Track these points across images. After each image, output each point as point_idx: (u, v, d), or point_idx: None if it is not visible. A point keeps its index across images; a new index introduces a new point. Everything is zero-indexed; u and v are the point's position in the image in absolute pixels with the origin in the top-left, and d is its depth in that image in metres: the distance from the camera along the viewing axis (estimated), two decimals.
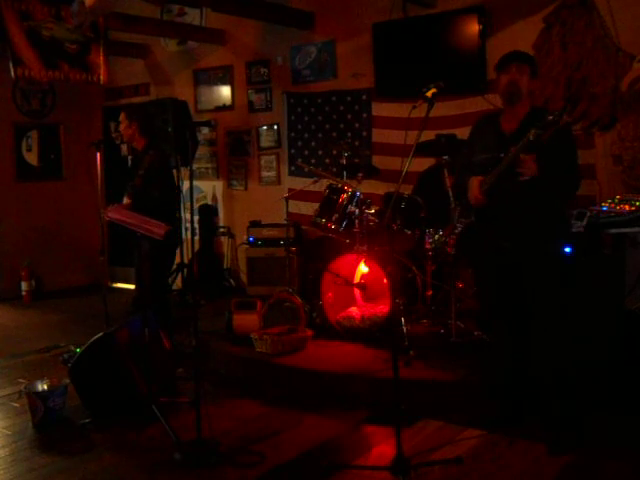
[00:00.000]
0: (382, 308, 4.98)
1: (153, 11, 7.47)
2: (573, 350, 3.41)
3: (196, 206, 7.32)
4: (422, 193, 5.22)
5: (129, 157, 8.30)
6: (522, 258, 3.32)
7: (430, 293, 5.11)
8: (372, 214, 5.05)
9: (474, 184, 3.41)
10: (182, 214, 3.93)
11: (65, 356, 5.05)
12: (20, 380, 4.66)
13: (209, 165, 7.57)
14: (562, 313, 3.32)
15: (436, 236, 4.76)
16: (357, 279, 5.23)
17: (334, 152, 6.12)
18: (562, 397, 3.32)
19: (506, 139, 3.36)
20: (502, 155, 3.30)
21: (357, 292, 5.32)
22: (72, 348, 5.14)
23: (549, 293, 3.31)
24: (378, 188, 5.83)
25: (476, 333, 4.54)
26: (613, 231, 3.83)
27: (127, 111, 5.02)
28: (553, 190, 3.28)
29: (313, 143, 6.75)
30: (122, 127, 4.96)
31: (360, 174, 5.28)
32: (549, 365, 3.33)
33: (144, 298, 4.67)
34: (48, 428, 3.86)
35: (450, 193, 4.64)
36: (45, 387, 3.98)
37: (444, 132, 5.31)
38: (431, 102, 3.32)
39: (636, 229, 3.87)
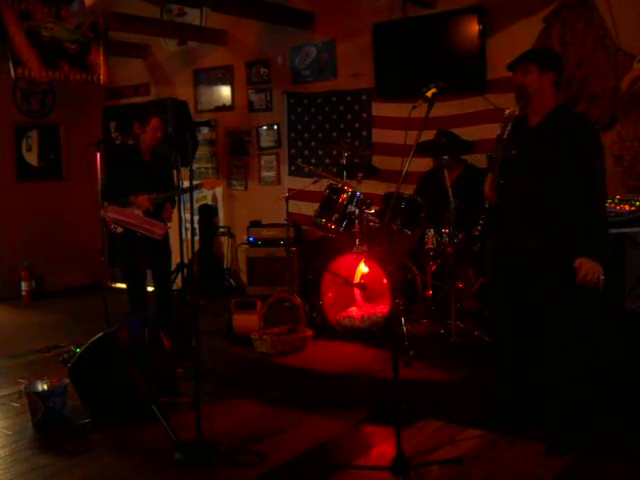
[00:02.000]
0: (382, 308, 4.98)
1: (153, 11, 7.48)
2: (578, 350, 3.41)
3: (196, 206, 7.32)
4: (423, 194, 5.22)
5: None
6: (528, 259, 3.31)
7: (430, 293, 5.12)
8: (372, 214, 5.05)
9: (488, 181, 3.44)
10: (182, 214, 3.93)
11: (65, 356, 5.05)
12: (20, 380, 4.66)
13: (209, 165, 7.57)
14: (573, 314, 3.30)
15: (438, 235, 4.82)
16: (357, 279, 5.22)
17: (334, 152, 6.12)
18: (564, 398, 3.32)
19: (527, 134, 3.36)
20: (514, 152, 3.31)
21: (357, 292, 5.32)
22: (72, 348, 5.15)
23: (558, 294, 3.26)
24: (378, 188, 5.83)
25: (476, 333, 4.54)
26: (613, 231, 3.83)
27: (161, 116, 5.26)
28: (565, 196, 3.18)
29: (313, 143, 6.75)
30: (158, 133, 5.15)
31: (360, 174, 5.28)
32: (558, 366, 3.32)
33: (149, 301, 4.76)
34: (48, 428, 3.86)
35: (450, 193, 4.65)
36: (45, 387, 3.98)
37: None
38: (431, 102, 3.32)
39: (636, 229, 3.87)
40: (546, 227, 3.24)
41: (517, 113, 3.27)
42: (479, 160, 5.41)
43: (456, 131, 5.42)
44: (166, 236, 4.89)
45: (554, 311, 3.29)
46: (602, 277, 3.06)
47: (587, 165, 3.15)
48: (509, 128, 3.26)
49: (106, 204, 4.96)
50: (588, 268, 3.06)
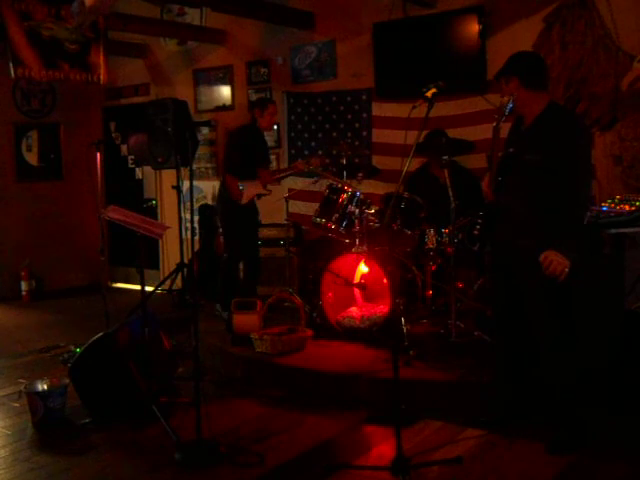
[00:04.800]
0: (382, 308, 4.98)
1: (153, 11, 7.48)
2: (572, 349, 3.41)
3: (196, 206, 7.32)
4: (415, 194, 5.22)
5: (129, 157, 8.33)
6: (521, 257, 3.32)
7: (430, 293, 5.12)
8: (372, 214, 5.05)
9: (486, 177, 3.45)
10: (182, 214, 3.94)
11: (65, 356, 5.06)
12: (20, 380, 4.66)
13: (209, 165, 7.56)
14: (565, 313, 3.31)
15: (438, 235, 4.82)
16: (357, 279, 5.22)
17: (334, 152, 6.12)
18: (564, 397, 3.32)
19: (520, 135, 3.38)
20: (511, 150, 3.32)
21: (357, 292, 5.32)
22: (72, 348, 5.15)
23: (547, 294, 3.27)
24: (378, 188, 5.83)
25: (476, 333, 4.54)
26: (613, 231, 3.83)
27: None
28: (548, 197, 3.20)
29: (313, 143, 6.75)
30: (275, 118, 5.84)
31: (360, 174, 5.28)
32: (553, 366, 3.32)
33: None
34: (48, 428, 3.86)
35: (450, 193, 4.65)
36: (45, 387, 3.98)
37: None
38: (431, 102, 3.33)
39: (636, 229, 3.87)
40: (535, 227, 3.26)
41: (509, 104, 3.28)
42: (480, 160, 5.41)
43: (456, 131, 5.43)
44: (253, 205, 5.78)
45: (546, 310, 3.29)
46: (566, 270, 3.06)
47: (569, 165, 3.15)
48: (503, 118, 3.30)
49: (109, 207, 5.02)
50: (552, 260, 3.07)
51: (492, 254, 3.62)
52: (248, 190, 5.64)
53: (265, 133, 5.91)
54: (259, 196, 5.91)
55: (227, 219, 5.84)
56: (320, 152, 6.50)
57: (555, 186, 3.16)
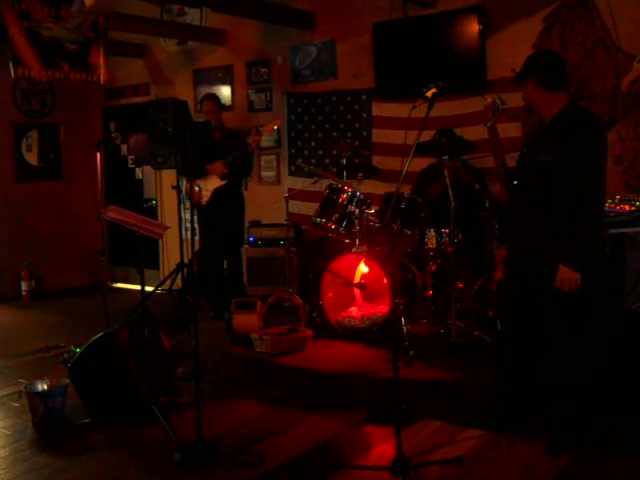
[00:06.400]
0: (382, 308, 4.98)
1: (153, 11, 7.48)
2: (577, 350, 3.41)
3: None
4: (420, 193, 5.23)
5: (129, 157, 8.33)
6: (531, 257, 3.32)
7: (430, 293, 5.12)
8: (372, 214, 5.05)
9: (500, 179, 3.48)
10: (182, 214, 3.94)
11: (65, 356, 5.05)
12: (20, 380, 4.65)
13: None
14: (570, 314, 3.31)
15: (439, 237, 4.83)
16: (357, 279, 5.22)
17: (334, 152, 6.12)
18: (564, 397, 3.32)
19: (538, 135, 3.40)
20: (524, 150, 3.33)
21: (357, 292, 5.32)
22: (72, 348, 5.15)
23: (556, 296, 3.24)
24: (378, 188, 5.83)
25: (476, 333, 4.54)
26: (613, 231, 3.83)
27: (214, 97, 5.99)
28: (558, 199, 3.19)
29: (313, 143, 6.75)
30: (209, 115, 5.82)
31: (360, 174, 5.28)
32: (557, 365, 3.32)
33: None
34: (48, 428, 3.86)
35: (451, 193, 4.65)
36: (45, 387, 3.98)
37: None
38: (431, 102, 3.33)
39: (636, 229, 3.87)
40: (546, 227, 3.25)
41: (501, 104, 3.38)
42: (480, 160, 5.41)
43: (456, 131, 5.42)
44: (240, 208, 5.99)
45: (552, 310, 3.29)
46: (579, 282, 3.11)
47: (581, 165, 3.12)
48: (493, 118, 3.42)
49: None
50: (564, 279, 3.12)
51: (506, 254, 3.63)
52: (205, 188, 5.69)
53: (265, 135, 5.91)
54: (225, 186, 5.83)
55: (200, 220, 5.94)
56: (320, 150, 6.51)
57: (567, 186, 3.14)
